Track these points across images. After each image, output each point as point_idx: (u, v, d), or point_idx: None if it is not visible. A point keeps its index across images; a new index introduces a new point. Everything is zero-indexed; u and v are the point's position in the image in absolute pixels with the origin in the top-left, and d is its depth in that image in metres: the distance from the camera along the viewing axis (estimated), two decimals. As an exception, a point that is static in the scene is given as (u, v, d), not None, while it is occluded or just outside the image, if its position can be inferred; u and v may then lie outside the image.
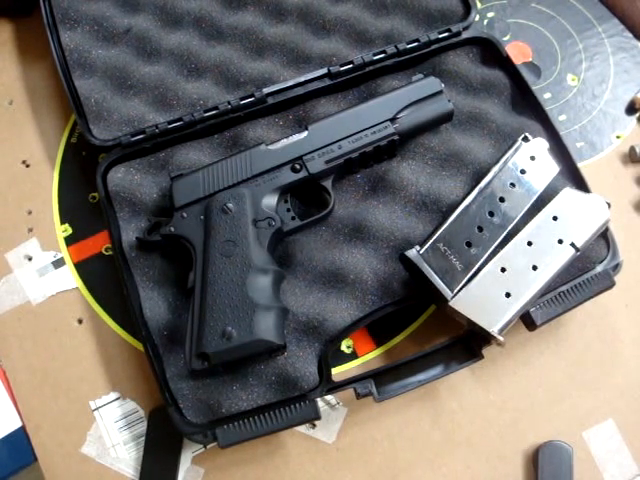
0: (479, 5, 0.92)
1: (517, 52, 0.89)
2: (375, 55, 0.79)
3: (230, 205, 0.68)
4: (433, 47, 0.80)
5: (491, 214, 0.68)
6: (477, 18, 0.88)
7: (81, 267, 0.77)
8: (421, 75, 0.75)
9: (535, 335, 0.71)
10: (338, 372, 0.71)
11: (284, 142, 0.72)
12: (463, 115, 0.78)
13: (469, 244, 0.67)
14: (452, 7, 0.83)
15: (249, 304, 0.63)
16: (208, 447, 0.69)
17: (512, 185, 0.69)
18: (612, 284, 0.69)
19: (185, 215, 0.69)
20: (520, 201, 0.69)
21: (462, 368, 0.67)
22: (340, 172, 0.73)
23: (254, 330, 0.62)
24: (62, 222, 0.79)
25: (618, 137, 0.84)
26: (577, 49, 0.89)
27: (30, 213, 0.80)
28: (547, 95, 0.87)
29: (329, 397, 0.70)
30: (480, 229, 0.67)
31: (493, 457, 0.69)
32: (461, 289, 0.65)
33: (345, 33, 0.83)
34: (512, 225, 0.68)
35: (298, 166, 0.71)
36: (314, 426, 0.70)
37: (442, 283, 0.65)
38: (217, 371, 0.66)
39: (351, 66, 0.79)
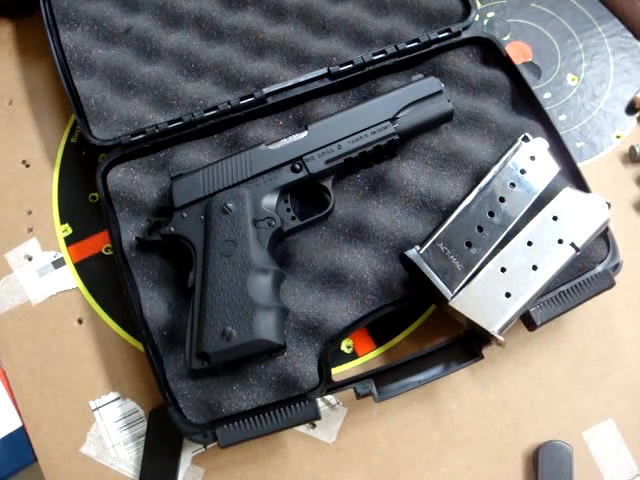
0: (479, 5, 0.92)
1: (517, 52, 0.89)
2: (375, 55, 0.79)
3: (230, 205, 0.68)
4: (433, 47, 0.80)
5: (491, 214, 0.68)
6: (477, 18, 0.88)
7: (81, 267, 0.77)
8: (421, 75, 0.75)
9: (535, 335, 0.71)
10: (338, 372, 0.71)
11: (284, 142, 0.72)
12: (463, 115, 0.78)
13: (469, 244, 0.67)
14: (452, 7, 0.83)
15: (249, 304, 0.63)
16: (208, 447, 0.69)
17: (512, 185, 0.69)
18: (612, 284, 0.69)
19: (185, 215, 0.69)
20: (520, 201, 0.69)
21: (462, 368, 0.67)
22: (340, 172, 0.73)
23: (254, 330, 0.62)
24: (62, 222, 0.79)
25: (618, 137, 0.84)
26: (577, 49, 0.89)
27: (30, 213, 0.80)
28: (547, 95, 0.87)
29: (329, 397, 0.70)
30: (480, 229, 0.68)
31: (493, 457, 0.69)
32: (461, 289, 0.65)
33: (345, 33, 0.83)
34: (512, 225, 0.68)
35: (298, 166, 0.71)
36: (314, 426, 0.70)
37: (442, 283, 0.65)
38: (217, 371, 0.65)
39: (351, 66, 0.79)
